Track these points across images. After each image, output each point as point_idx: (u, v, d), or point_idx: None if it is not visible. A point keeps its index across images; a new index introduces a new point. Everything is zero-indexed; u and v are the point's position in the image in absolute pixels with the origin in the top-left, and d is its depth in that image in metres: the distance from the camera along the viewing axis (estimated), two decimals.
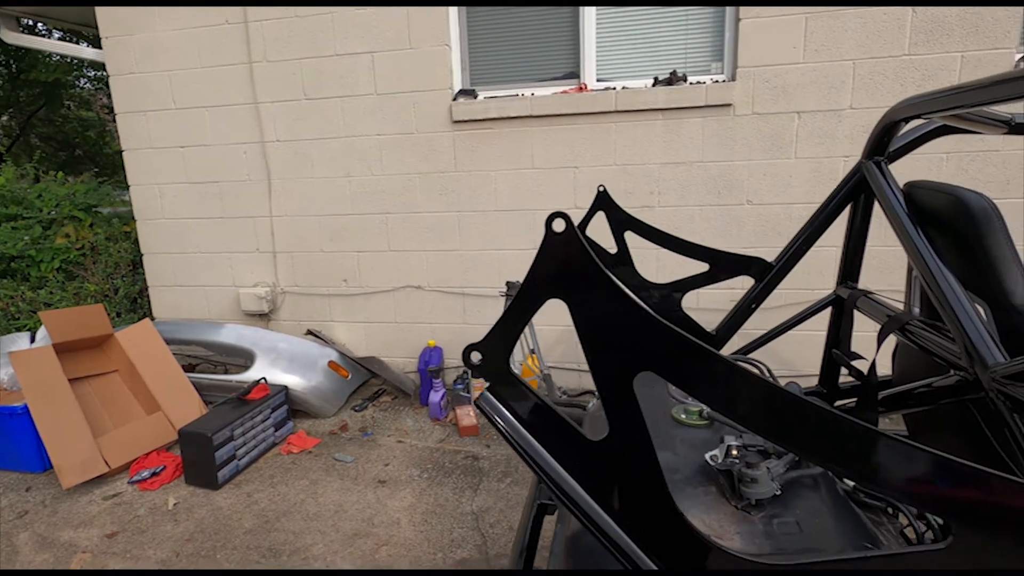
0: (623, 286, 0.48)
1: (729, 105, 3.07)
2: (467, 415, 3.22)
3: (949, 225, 1.22)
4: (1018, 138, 2.85)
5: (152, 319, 4.12)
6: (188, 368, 3.89)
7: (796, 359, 3.19)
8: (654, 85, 3.21)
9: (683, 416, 1.15)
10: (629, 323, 0.49)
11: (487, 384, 0.55)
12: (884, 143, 1.43)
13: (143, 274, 4.21)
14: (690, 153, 3.18)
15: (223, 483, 2.82)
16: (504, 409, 0.54)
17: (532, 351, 1.67)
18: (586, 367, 2.27)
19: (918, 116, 1.30)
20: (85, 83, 12.87)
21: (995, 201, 3.11)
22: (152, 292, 4.17)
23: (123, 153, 3.97)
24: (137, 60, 3.78)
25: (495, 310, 3.56)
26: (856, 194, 1.53)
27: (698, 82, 3.16)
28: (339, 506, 2.65)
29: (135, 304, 4.45)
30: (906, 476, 0.45)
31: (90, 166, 12.12)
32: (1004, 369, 0.93)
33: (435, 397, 3.39)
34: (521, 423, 0.54)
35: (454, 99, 3.41)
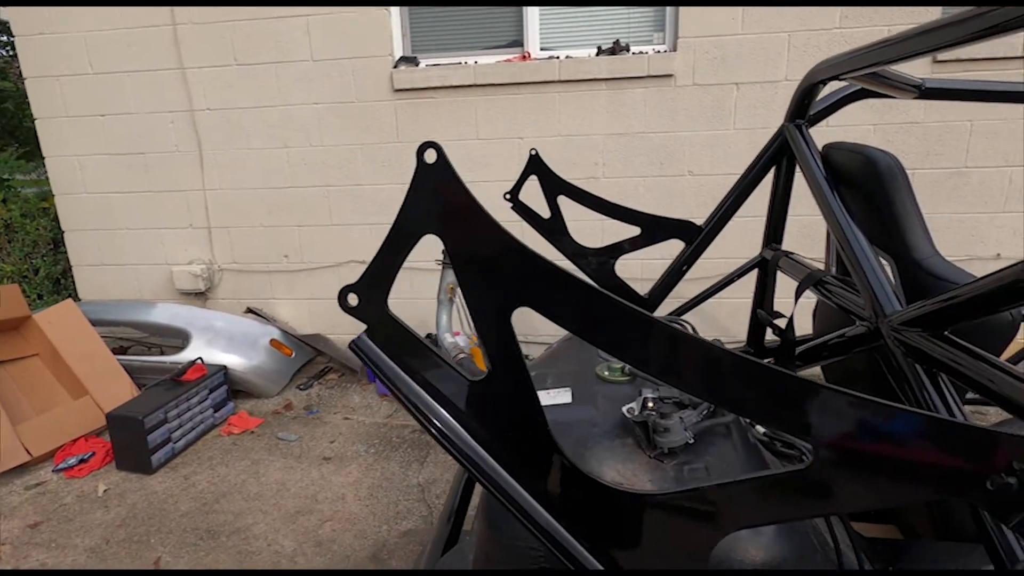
0: (496, 219, 0.46)
1: (671, 76, 3.09)
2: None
3: (860, 183, 1.26)
4: (938, 111, 2.99)
5: (77, 300, 3.88)
6: (119, 351, 3.69)
7: (733, 324, 3.30)
8: (597, 54, 3.20)
9: (606, 373, 1.16)
10: (504, 257, 0.48)
11: (365, 327, 0.53)
12: (805, 106, 1.47)
13: (66, 253, 3.94)
14: (633, 123, 3.19)
15: (158, 467, 2.71)
16: (383, 353, 0.52)
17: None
18: (532, 338, 2.29)
19: (836, 77, 1.33)
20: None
21: (915, 170, 3.27)
22: (76, 272, 3.92)
23: (36, 122, 3.67)
24: (47, 19, 3.47)
25: None
26: (779, 157, 1.56)
27: (640, 52, 3.16)
28: (282, 484, 2.59)
29: (58, 285, 4.18)
30: (764, 398, 0.45)
31: (10, 140, 11.19)
32: (899, 316, 0.98)
33: None
34: (402, 367, 0.52)
35: (395, 66, 3.30)
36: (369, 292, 0.51)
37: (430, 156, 0.48)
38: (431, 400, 0.52)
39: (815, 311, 1.61)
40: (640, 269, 3.19)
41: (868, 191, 1.24)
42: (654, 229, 1.63)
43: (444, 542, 1.13)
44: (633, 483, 0.92)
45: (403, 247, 0.50)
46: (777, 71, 3.02)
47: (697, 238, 1.65)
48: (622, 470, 0.94)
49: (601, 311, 0.47)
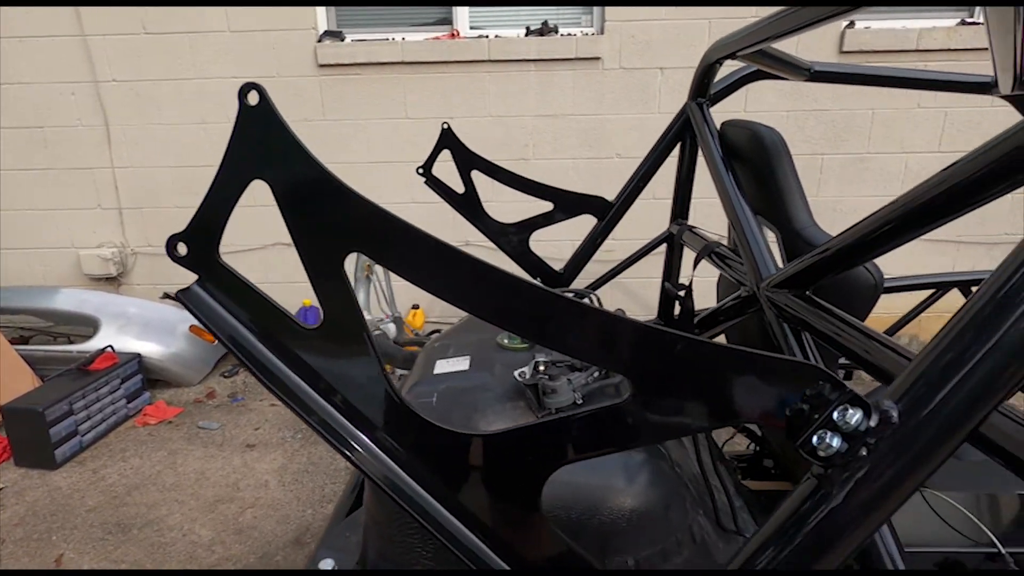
0: (323, 165, 0.46)
1: (598, 59, 3.13)
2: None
3: (749, 158, 1.33)
4: (844, 100, 3.18)
5: None
6: (20, 340, 3.42)
7: (654, 301, 3.41)
8: (526, 35, 3.20)
9: (506, 341, 1.18)
10: (333, 202, 0.47)
11: (195, 278, 0.51)
12: (705, 85, 1.52)
13: None
14: (563, 105, 3.22)
15: (63, 462, 2.55)
16: (216, 304, 0.51)
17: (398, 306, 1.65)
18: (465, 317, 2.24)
19: (730, 56, 1.39)
20: None
21: (824, 155, 3.45)
22: None
23: None
24: None
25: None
26: (683, 135, 1.62)
27: (569, 34, 3.18)
28: (201, 474, 2.50)
29: None
30: (584, 336, 0.47)
31: None
32: (771, 279, 1.04)
33: None
34: (236, 318, 0.51)
35: (319, 40, 3.18)
36: (199, 241, 0.50)
37: (252, 98, 0.46)
38: (269, 352, 0.52)
39: (718, 281, 1.69)
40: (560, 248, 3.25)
41: (756, 165, 1.30)
42: (566, 204, 1.66)
43: (348, 508, 1.12)
44: None
45: (231, 194, 0.49)
46: (699, 56, 3.10)
47: (608, 213, 1.69)
48: None
49: (432, 255, 0.48)
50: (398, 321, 1.64)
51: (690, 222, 1.70)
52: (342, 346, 0.51)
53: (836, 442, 0.44)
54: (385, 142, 3.30)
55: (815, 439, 0.45)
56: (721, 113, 1.50)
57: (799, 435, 0.46)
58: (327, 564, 0.89)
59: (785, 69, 1.44)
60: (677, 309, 1.70)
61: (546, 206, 1.68)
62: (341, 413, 0.52)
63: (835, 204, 3.28)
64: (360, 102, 3.25)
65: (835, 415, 0.45)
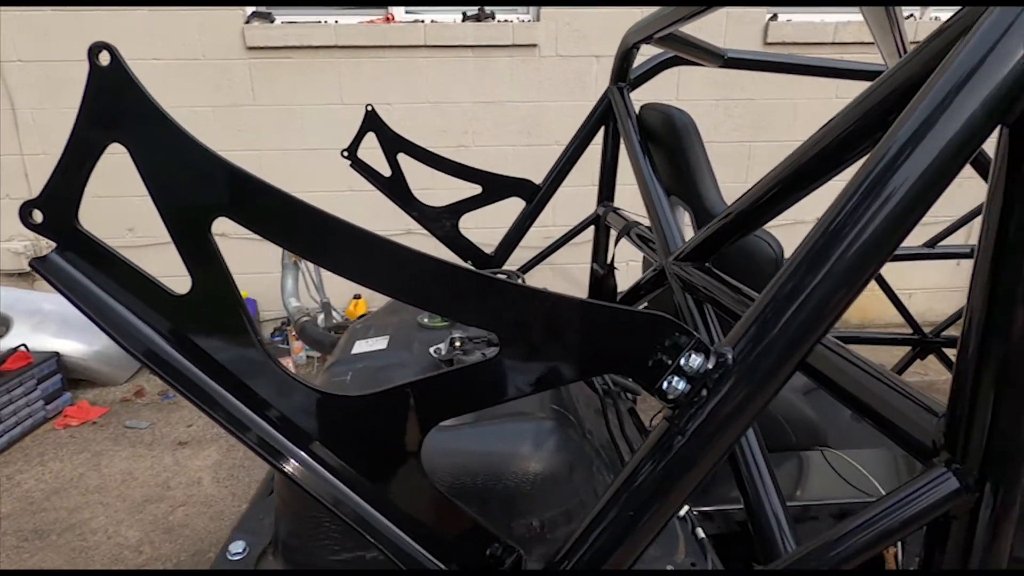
0: (183, 128, 0.45)
1: (535, 46, 3.15)
2: (286, 367, 3.07)
3: (663, 139, 1.38)
4: (769, 89, 3.32)
5: None
6: None
7: None
8: (463, 21, 3.18)
9: (426, 320, 1.18)
10: (196, 166, 0.47)
11: (53, 246, 0.50)
12: (624, 69, 1.56)
13: None
14: (501, 92, 3.23)
15: None
16: (76, 272, 0.49)
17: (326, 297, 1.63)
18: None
19: (646, 40, 1.43)
20: None
21: (751, 142, 3.60)
22: None
23: None
24: None
25: None
26: (606, 118, 1.66)
27: (506, 20, 3.19)
28: (128, 474, 2.39)
29: None
30: (452, 295, 0.49)
31: None
32: (676, 253, 1.09)
33: None
34: (100, 287, 0.50)
35: (247, 22, 3.06)
36: (55, 207, 0.48)
37: (104, 58, 0.45)
38: (138, 321, 0.51)
39: (644, 260, 1.75)
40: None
41: (669, 146, 1.36)
42: (495, 188, 1.67)
43: (269, 491, 1.11)
44: None
45: (86, 157, 0.48)
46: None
47: (536, 196, 1.72)
48: None
49: (300, 217, 0.48)
50: (327, 307, 1.61)
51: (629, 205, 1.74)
52: (214, 314, 0.51)
53: (681, 385, 0.47)
54: (320, 128, 3.22)
55: (665, 384, 0.48)
56: (654, 99, 1.54)
57: (655, 384, 0.50)
58: (238, 547, 0.88)
59: (700, 55, 1.50)
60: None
61: (475, 189, 1.69)
62: (218, 381, 0.51)
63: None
64: (293, 87, 3.15)
65: (682, 361, 0.48)
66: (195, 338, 0.51)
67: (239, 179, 0.47)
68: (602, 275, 1.63)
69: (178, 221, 0.48)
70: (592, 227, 1.76)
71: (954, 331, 2.86)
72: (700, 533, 0.99)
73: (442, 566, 0.56)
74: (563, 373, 0.51)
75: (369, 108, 1.56)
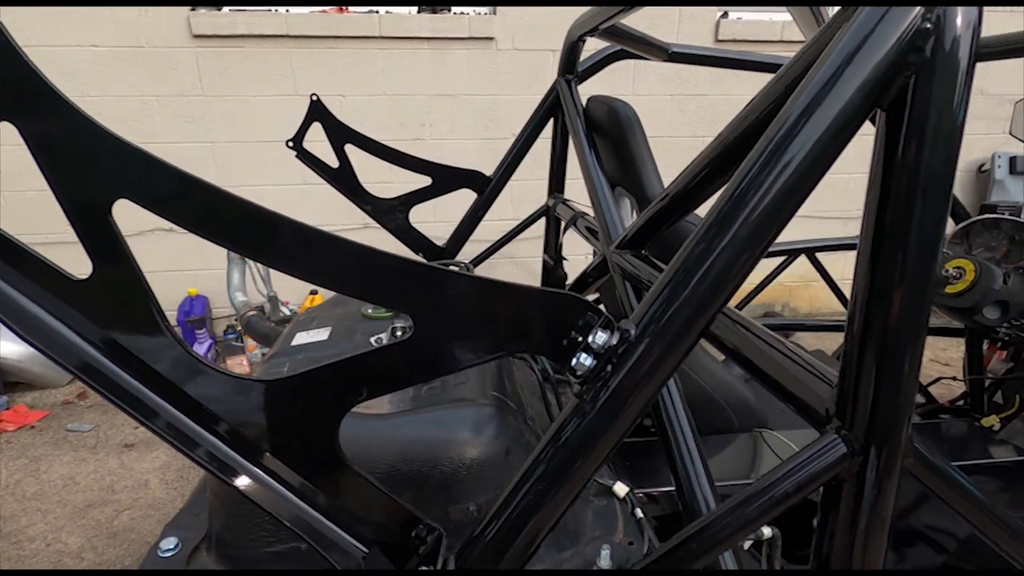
0: (78, 106, 0.44)
1: (491, 39, 3.15)
2: (239, 365, 2.99)
3: (607, 131, 1.40)
4: (722, 86, 3.41)
5: None
6: None
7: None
8: (419, 11, 3.14)
9: (370, 311, 1.18)
10: (90, 145, 0.45)
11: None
12: (571, 62, 1.58)
13: None
14: (458, 85, 3.21)
15: None
16: None
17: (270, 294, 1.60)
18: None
19: (590, 33, 1.45)
20: None
21: (704, 137, 3.70)
22: None
23: None
24: None
25: None
26: (555, 111, 1.67)
27: (462, 12, 3.17)
28: (70, 479, 2.29)
29: None
30: (364, 277, 0.49)
31: None
32: (616, 241, 1.11)
33: (200, 349, 3.08)
34: None
35: (192, 8, 2.95)
36: None
37: None
38: (36, 308, 0.49)
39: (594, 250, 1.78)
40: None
41: (613, 137, 1.38)
42: (445, 179, 1.67)
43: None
44: (373, 406, 0.96)
45: None
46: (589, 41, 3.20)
47: (487, 188, 1.72)
48: None
49: (204, 198, 0.47)
50: (274, 301, 1.58)
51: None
52: (118, 300, 0.49)
53: (588, 361, 0.49)
54: (273, 119, 3.14)
55: (574, 361, 0.50)
56: (610, 94, 1.55)
57: (567, 362, 0.51)
58: (169, 543, 0.86)
59: (645, 49, 1.53)
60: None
61: (425, 181, 1.68)
62: (123, 368, 0.50)
63: None
64: (244, 77, 3.06)
65: (589, 338, 0.50)
66: (97, 325, 0.49)
67: (137, 158, 0.46)
68: (551, 266, 1.65)
69: (75, 203, 0.47)
70: (546, 219, 1.78)
71: None
72: (639, 513, 1.02)
73: (364, 549, 0.56)
74: (476, 353, 0.51)
75: (314, 98, 1.54)
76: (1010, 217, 1.80)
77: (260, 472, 0.54)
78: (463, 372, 1.03)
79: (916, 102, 0.44)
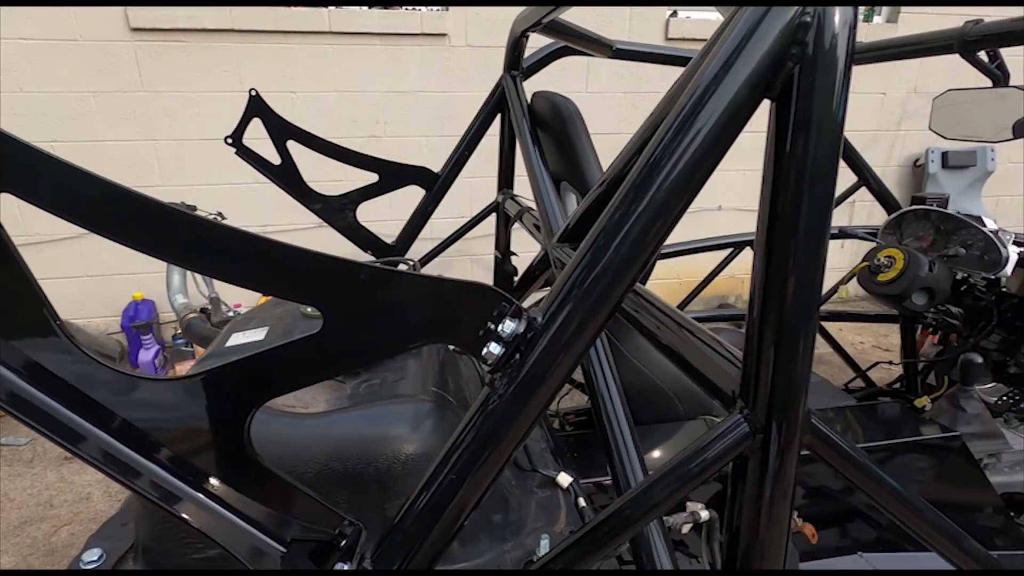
0: None
1: (445, 35, 3.13)
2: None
3: (551, 126, 1.41)
4: (671, 81, 3.47)
5: None
6: None
7: None
8: (370, 7, 3.10)
9: (309, 311, 1.16)
10: None
11: None
12: (516, 57, 1.59)
13: None
14: (412, 82, 3.18)
15: None
16: None
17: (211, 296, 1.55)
18: None
19: (533, 29, 1.46)
20: None
21: None
22: None
23: None
24: None
25: None
26: (502, 106, 1.68)
27: (414, 8, 3.14)
28: (3, 496, 2.18)
29: None
30: (270, 271, 0.48)
31: None
32: (556, 235, 1.12)
33: (147, 356, 2.96)
34: None
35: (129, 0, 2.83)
36: None
37: None
38: None
39: None
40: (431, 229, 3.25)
41: (557, 133, 1.39)
42: (391, 175, 1.65)
43: None
44: (310, 405, 0.94)
45: None
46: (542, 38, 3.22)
47: (436, 184, 1.71)
48: (301, 395, 0.95)
49: (97, 195, 0.45)
50: (215, 302, 1.53)
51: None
52: (4, 303, 0.47)
53: (496, 350, 0.49)
54: (220, 117, 3.04)
55: (484, 351, 0.50)
56: (564, 91, 1.55)
57: (480, 351, 0.51)
58: (92, 555, 0.83)
59: (589, 45, 1.55)
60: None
61: (372, 177, 1.66)
62: (18, 375, 0.48)
63: None
64: (187, 72, 2.95)
65: (499, 327, 0.50)
66: None
67: (18, 149, 0.44)
68: (501, 261, 1.66)
69: None
70: (496, 215, 1.78)
71: (832, 305, 3.12)
72: (582, 502, 1.04)
73: (281, 549, 0.55)
74: (388, 346, 0.51)
75: (253, 93, 1.50)
76: (937, 208, 1.90)
77: (165, 474, 0.52)
78: (403, 368, 1.03)
79: (800, 94, 0.46)
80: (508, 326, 0.49)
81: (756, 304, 0.51)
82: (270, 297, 3.19)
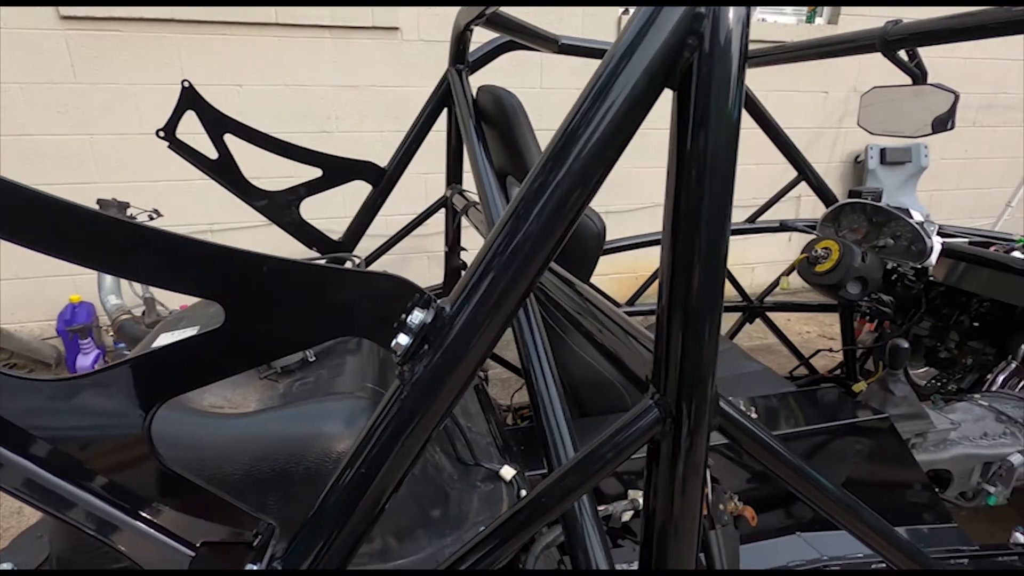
0: None
1: (396, 28, 3.08)
2: None
3: (495, 120, 1.41)
4: None
5: None
6: None
7: None
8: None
9: None
10: None
11: None
12: (461, 51, 1.58)
13: None
14: (364, 77, 3.13)
15: None
16: None
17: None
18: None
19: (476, 21, 1.45)
20: None
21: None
22: None
23: None
24: None
25: None
26: (448, 100, 1.67)
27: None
28: None
29: None
30: (168, 264, 0.46)
31: None
32: None
33: (85, 361, 2.83)
34: None
35: None
36: None
37: None
38: None
39: None
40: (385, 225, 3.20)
41: (500, 126, 1.39)
42: (335, 170, 1.62)
43: None
44: (240, 406, 0.91)
45: None
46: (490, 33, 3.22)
47: (382, 180, 1.69)
48: (230, 396, 0.92)
49: None
50: (149, 303, 1.48)
51: None
52: None
53: (404, 340, 0.49)
54: (162, 111, 2.87)
55: (393, 343, 0.49)
56: (520, 87, 1.54)
57: (388, 343, 0.51)
58: (3, 567, 0.78)
59: (535, 40, 1.55)
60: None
61: (315, 172, 1.62)
62: None
63: (624, 177, 3.65)
64: (125, 64, 2.82)
65: (408, 318, 0.49)
66: None
67: None
68: (449, 256, 1.65)
69: None
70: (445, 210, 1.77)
71: (784, 296, 3.23)
72: (523, 493, 1.04)
73: (190, 552, 0.53)
74: (294, 339, 0.50)
75: (186, 84, 1.44)
76: (868, 201, 1.99)
77: (59, 480, 0.50)
78: (340, 365, 1.01)
79: (699, 85, 0.47)
80: (416, 316, 0.48)
81: (664, 293, 0.52)
82: None
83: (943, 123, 1.32)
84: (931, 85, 1.30)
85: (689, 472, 0.54)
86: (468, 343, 0.48)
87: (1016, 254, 1.82)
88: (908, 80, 1.42)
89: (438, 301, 0.49)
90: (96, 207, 1.49)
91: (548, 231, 0.48)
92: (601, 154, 0.48)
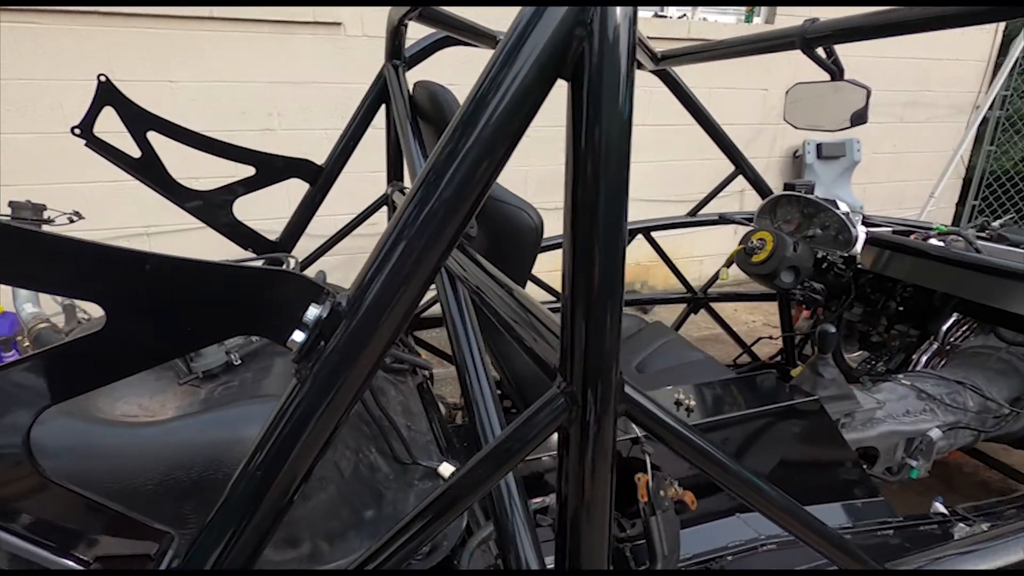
0: None
1: (339, 24, 3.02)
2: None
3: (431, 116, 1.40)
4: None
5: None
6: None
7: None
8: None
9: None
10: None
11: None
12: (397, 47, 1.56)
13: None
14: (307, 73, 3.05)
15: None
16: None
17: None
18: None
19: (409, 16, 1.43)
20: None
21: (560, 125, 3.89)
22: None
23: None
24: None
25: None
26: (385, 96, 1.64)
27: None
28: None
29: None
30: (45, 265, 0.43)
31: None
32: None
33: None
34: None
35: None
36: None
37: None
38: None
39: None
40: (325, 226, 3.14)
41: (436, 122, 1.38)
42: (269, 169, 1.57)
43: None
44: (156, 413, 0.88)
45: None
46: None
47: (320, 178, 1.65)
48: (146, 404, 0.89)
49: None
50: (69, 309, 1.40)
51: None
52: None
53: (300, 337, 0.48)
54: (87, 108, 2.76)
55: (288, 340, 0.48)
56: (467, 85, 1.52)
57: (285, 338, 0.49)
58: None
59: (472, 36, 1.54)
60: None
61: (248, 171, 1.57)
62: None
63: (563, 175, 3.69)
64: (42, 57, 2.65)
65: (304, 314, 0.48)
66: None
67: None
68: None
69: None
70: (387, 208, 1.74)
71: (730, 287, 3.32)
72: None
73: (79, 567, 0.50)
74: (183, 341, 0.48)
75: (102, 79, 1.37)
76: (803, 194, 2.07)
77: None
78: (267, 368, 0.98)
79: (591, 78, 0.48)
80: (311, 312, 0.47)
81: (567, 285, 0.52)
82: None
83: (860, 117, 1.39)
84: (847, 81, 1.37)
85: (598, 457, 0.54)
86: (368, 336, 0.47)
87: (933, 241, 1.93)
88: (828, 77, 1.49)
89: (337, 296, 0.48)
90: (7, 210, 1.41)
91: (461, 197, 0.47)
92: (501, 132, 0.48)
